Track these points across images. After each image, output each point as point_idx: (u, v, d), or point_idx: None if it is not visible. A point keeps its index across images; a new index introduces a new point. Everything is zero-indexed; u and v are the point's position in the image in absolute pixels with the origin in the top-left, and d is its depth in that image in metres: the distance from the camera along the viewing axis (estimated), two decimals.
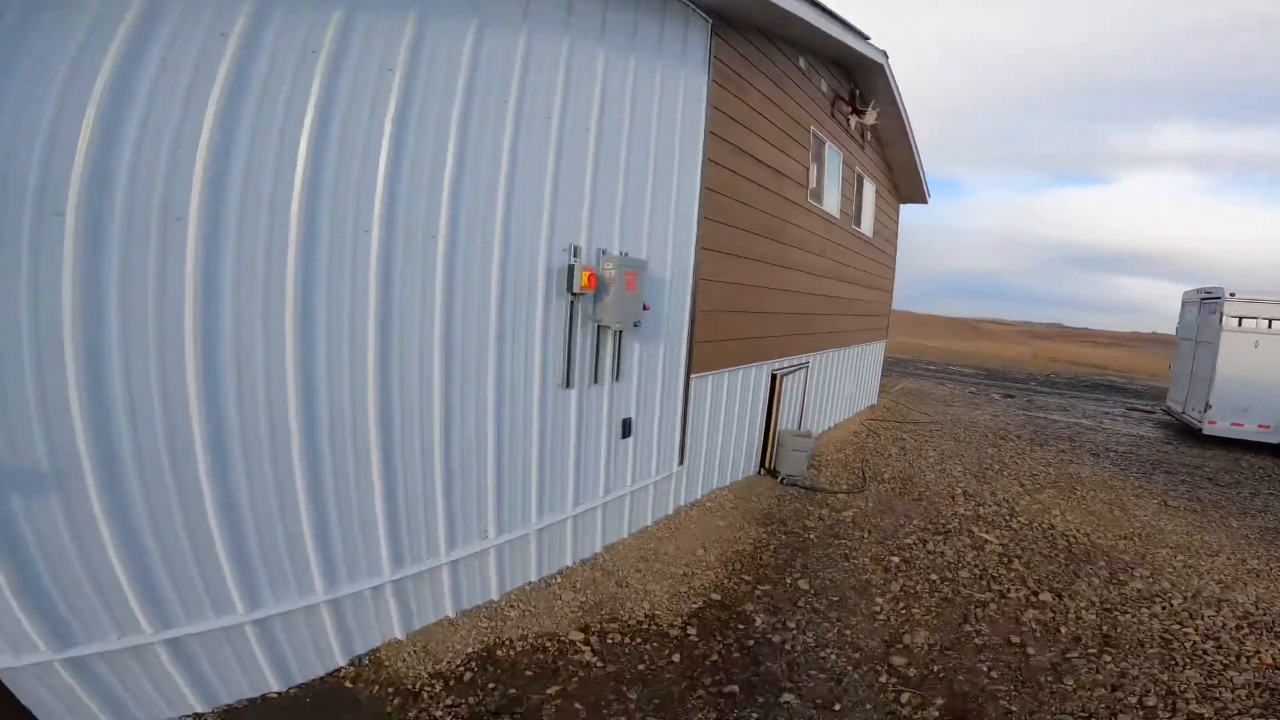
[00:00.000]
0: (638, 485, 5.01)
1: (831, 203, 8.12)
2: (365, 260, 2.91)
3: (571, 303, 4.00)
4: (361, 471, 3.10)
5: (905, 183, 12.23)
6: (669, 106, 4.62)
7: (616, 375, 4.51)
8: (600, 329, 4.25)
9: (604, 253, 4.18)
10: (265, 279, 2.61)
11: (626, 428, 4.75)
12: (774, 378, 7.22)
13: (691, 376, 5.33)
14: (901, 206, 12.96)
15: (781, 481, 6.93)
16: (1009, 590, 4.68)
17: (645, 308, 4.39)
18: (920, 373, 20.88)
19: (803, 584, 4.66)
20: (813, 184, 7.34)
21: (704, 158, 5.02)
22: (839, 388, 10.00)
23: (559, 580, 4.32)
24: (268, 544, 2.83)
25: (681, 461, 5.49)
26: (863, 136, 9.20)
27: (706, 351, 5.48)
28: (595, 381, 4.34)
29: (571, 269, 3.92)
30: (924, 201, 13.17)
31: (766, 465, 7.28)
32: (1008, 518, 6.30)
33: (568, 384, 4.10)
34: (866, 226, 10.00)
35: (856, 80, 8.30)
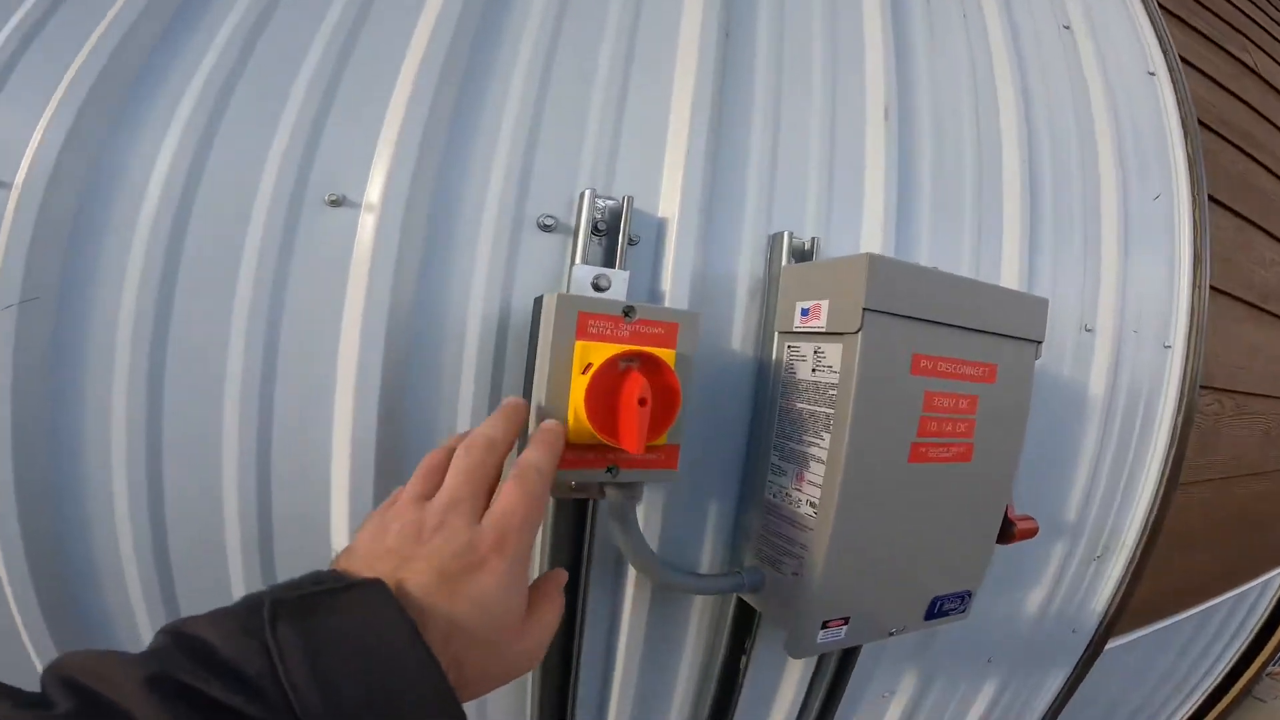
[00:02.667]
0: None
1: None
2: None
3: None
4: None
5: None
6: None
7: None
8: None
9: (800, 246, 0.65)
10: None
11: None
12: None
13: (1109, 643, 1.82)
14: None
15: None
16: None
17: (1017, 525, 0.63)
18: None
19: None
20: None
21: (1163, 38, 1.52)
22: None
23: None
24: None
25: None
26: None
27: (1161, 579, 1.88)
28: None
29: (534, 333, 0.50)
30: None
31: None
32: None
33: None
34: None
35: None
